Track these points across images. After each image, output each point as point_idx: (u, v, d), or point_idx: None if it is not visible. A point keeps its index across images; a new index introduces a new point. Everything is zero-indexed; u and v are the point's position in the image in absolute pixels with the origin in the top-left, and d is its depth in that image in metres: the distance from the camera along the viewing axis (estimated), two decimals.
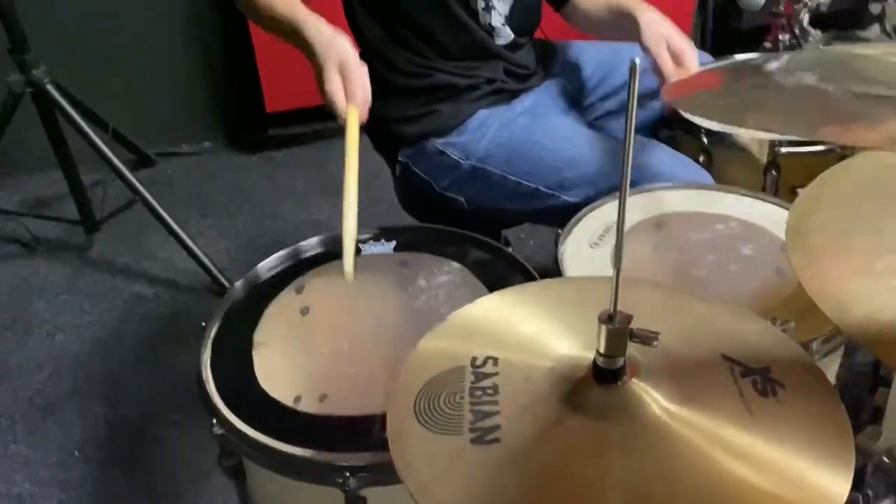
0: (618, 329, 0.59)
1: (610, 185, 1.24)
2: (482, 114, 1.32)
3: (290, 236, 2.15)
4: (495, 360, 0.67)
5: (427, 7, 1.26)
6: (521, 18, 1.37)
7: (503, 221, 1.47)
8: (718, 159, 1.29)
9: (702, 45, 2.60)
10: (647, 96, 1.40)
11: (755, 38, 2.23)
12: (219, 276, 1.97)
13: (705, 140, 1.28)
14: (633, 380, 0.61)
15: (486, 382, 0.65)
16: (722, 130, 1.29)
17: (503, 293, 0.77)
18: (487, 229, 1.50)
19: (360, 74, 1.07)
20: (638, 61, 0.49)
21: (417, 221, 1.45)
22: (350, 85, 1.05)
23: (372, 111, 1.15)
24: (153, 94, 2.54)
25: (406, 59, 1.31)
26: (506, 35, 1.35)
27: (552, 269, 1.01)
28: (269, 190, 2.45)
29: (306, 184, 2.46)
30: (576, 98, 1.47)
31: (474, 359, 0.68)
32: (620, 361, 0.60)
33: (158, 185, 2.47)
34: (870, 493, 0.67)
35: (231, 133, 2.69)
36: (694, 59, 1.23)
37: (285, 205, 2.36)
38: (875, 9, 2.42)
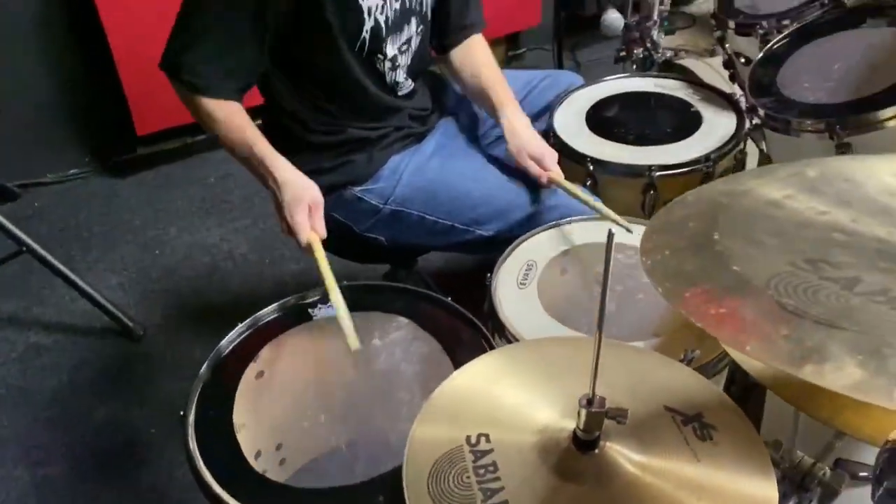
0: (595, 412, 0.73)
1: (518, 217, 1.39)
2: (394, 160, 1.42)
3: (184, 264, 2.19)
4: (487, 437, 0.79)
5: (338, 75, 1.33)
6: (418, 66, 1.47)
7: (418, 252, 1.58)
8: (602, 184, 1.46)
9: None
10: None
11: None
12: (120, 315, 1.95)
13: (591, 167, 1.45)
14: (607, 443, 0.76)
15: (486, 460, 0.77)
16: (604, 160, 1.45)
17: (473, 366, 0.89)
18: (403, 259, 1.62)
19: (321, 210, 1.23)
20: (614, 231, 0.61)
21: (338, 257, 1.55)
22: (317, 221, 1.22)
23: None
24: (9, 123, 2.39)
25: (319, 120, 1.38)
26: (407, 85, 1.45)
27: (487, 308, 1.15)
28: (149, 214, 2.41)
29: (187, 204, 2.44)
30: (471, 130, 1.60)
31: (469, 437, 0.79)
32: (597, 433, 0.75)
33: (28, 220, 2.37)
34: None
35: (97, 156, 2.59)
36: (553, 160, 1.38)
37: (170, 229, 2.34)
38: None
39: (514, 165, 1.42)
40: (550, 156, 1.39)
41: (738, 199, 0.70)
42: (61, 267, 1.91)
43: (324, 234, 1.22)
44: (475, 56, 1.52)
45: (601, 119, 1.56)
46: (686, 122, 1.52)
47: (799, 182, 0.69)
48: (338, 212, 1.43)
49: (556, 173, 1.38)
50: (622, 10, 1.80)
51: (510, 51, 3.13)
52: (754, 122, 1.32)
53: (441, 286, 1.57)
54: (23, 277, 2.09)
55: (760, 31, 1.44)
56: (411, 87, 1.46)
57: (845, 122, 1.15)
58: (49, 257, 1.90)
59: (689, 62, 1.78)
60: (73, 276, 1.92)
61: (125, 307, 2.00)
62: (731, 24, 1.52)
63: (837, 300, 0.54)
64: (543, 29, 2.90)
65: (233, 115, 1.26)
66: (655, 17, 1.83)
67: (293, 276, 2.10)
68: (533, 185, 1.41)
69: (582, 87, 1.67)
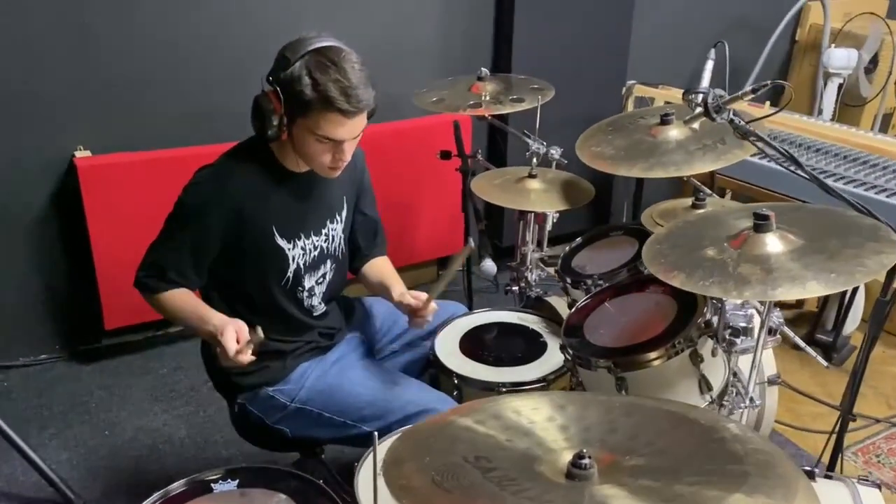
0: None
1: (394, 419, 1.76)
2: (303, 366, 1.83)
3: (129, 445, 2.50)
4: None
5: (264, 301, 1.77)
6: (332, 292, 1.92)
7: (319, 443, 1.94)
8: (465, 393, 1.87)
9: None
10: (415, 342, 2.00)
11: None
12: (64, 489, 2.23)
13: (455, 380, 1.86)
14: None
15: None
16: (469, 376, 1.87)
17: None
18: (306, 448, 1.97)
19: (247, 334, 1.59)
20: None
21: (252, 444, 1.91)
22: (243, 341, 1.57)
23: (215, 365, 1.68)
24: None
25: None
26: (321, 308, 1.89)
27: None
28: (105, 398, 2.74)
29: (140, 391, 2.78)
30: (370, 344, 2.02)
31: None
32: None
33: None
34: None
35: (67, 345, 2.95)
36: (431, 310, 1.81)
37: (122, 413, 2.67)
38: None
39: (403, 311, 1.85)
40: (426, 296, 1.80)
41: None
42: (17, 439, 2.21)
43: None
44: (377, 266, 1.99)
45: (471, 343, 1.99)
46: (534, 349, 1.95)
47: (486, 412, 1.09)
48: (253, 406, 1.81)
49: (431, 307, 1.79)
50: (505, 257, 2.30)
51: (440, 269, 3.65)
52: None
53: (342, 476, 1.91)
54: None
55: (584, 287, 1.93)
56: (324, 309, 1.90)
57: (622, 363, 1.59)
58: (8, 430, 2.21)
59: (553, 299, 2.25)
60: (26, 449, 2.22)
61: (70, 480, 2.28)
62: (568, 279, 2.02)
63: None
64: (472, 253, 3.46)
65: (174, 299, 1.69)
66: (528, 263, 2.34)
67: (223, 460, 2.41)
68: (410, 392, 1.81)
69: (463, 315, 2.12)
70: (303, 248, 1.77)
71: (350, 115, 1.56)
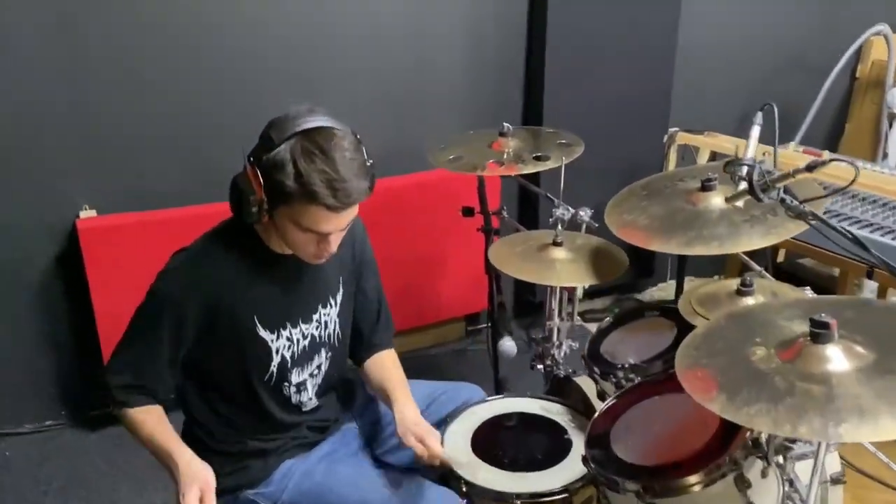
0: None
1: None
2: (286, 464, 1.63)
3: None
4: None
5: (244, 398, 1.58)
6: (328, 384, 1.72)
7: None
8: (475, 500, 1.64)
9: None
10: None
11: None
12: None
13: (463, 487, 1.63)
14: None
15: None
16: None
17: None
18: None
19: (212, 495, 1.40)
20: None
21: None
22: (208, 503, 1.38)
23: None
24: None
25: (223, 431, 1.61)
26: (311, 404, 1.69)
27: None
28: (107, 471, 2.58)
29: (142, 463, 2.61)
30: (370, 435, 1.80)
31: None
32: None
33: None
34: None
35: (72, 411, 2.82)
36: (435, 440, 1.59)
37: (122, 488, 2.50)
38: None
39: (402, 446, 1.61)
40: (433, 437, 1.58)
41: None
42: None
43: None
44: (380, 365, 1.78)
45: (485, 439, 1.76)
46: (556, 449, 1.71)
47: None
48: None
49: (437, 452, 1.56)
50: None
51: (469, 326, 3.43)
52: None
53: None
54: None
55: (613, 380, 1.68)
56: (316, 404, 1.69)
57: (653, 487, 1.34)
58: None
59: (583, 379, 2.01)
60: None
61: None
62: (596, 369, 1.77)
63: None
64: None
65: (145, 420, 1.50)
66: (555, 339, 2.10)
67: None
68: (406, 494, 1.59)
69: (478, 402, 1.89)
70: (289, 339, 1.57)
71: (337, 210, 1.38)
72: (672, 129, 3.09)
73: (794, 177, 1.28)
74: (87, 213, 2.56)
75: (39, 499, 2.45)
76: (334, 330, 1.67)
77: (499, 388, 2.74)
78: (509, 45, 3.06)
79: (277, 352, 1.56)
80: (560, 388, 2.11)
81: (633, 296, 3.73)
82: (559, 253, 2.00)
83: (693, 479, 1.32)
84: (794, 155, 2.86)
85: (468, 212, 2.55)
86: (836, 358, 1.15)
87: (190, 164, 2.68)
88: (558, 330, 2.13)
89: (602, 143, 3.00)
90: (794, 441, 1.41)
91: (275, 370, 1.57)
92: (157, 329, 1.48)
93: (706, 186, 1.75)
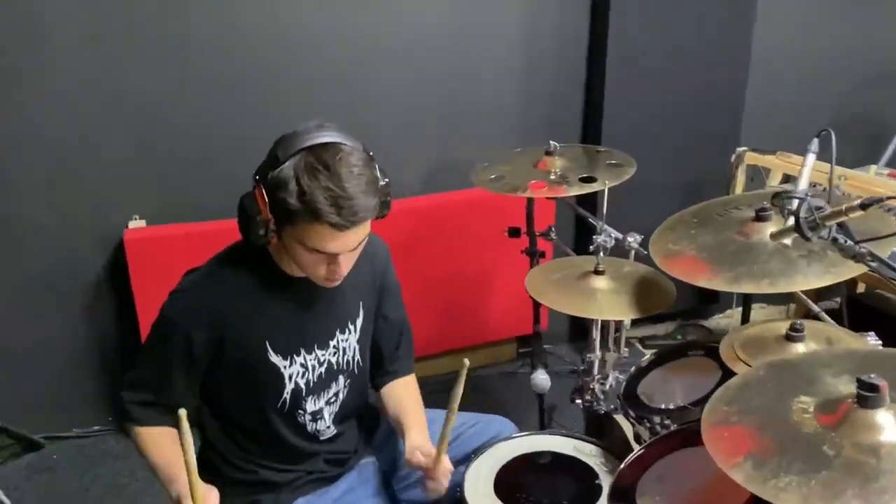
0: None
1: None
2: (300, 501, 1.56)
3: None
4: None
5: (258, 424, 1.53)
6: (346, 411, 1.64)
7: None
8: None
9: None
10: None
11: None
12: None
13: None
14: None
15: None
16: None
17: None
18: None
19: None
20: None
21: None
22: None
23: None
24: (44, 378, 2.70)
25: (238, 456, 1.56)
26: (329, 432, 1.62)
27: None
28: (145, 483, 2.57)
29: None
30: (390, 469, 1.72)
31: None
32: None
33: (41, 473, 2.61)
34: None
35: (118, 416, 2.85)
36: (445, 471, 1.50)
37: (158, 501, 2.50)
38: None
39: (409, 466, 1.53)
40: (441, 467, 1.49)
41: None
42: None
43: None
44: (398, 393, 1.70)
45: (509, 479, 1.65)
46: (584, 495, 1.59)
47: None
48: None
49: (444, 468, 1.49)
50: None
51: (521, 348, 3.31)
52: None
53: None
54: None
55: (647, 425, 1.55)
56: (334, 432, 1.62)
57: None
58: None
59: (622, 418, 1.87)
60: None
61: None
62: (631, 412, 1.64)
63: None
64: (551, 332, 3.10)
65: (160, 439, 1.46)
66: (596, 373, 1.98)
67: None
68: None
69: (507, 438, 1.79)
70: (303, 366, 1.51)
71: (342, 229, 1.30)
72: (740, 149, 2.90)
73: (846, 215, 1.13)
74: (136, 224, 2.58)
75: (82, 501, 2.48)
76: (353, 356, 1.60)
77: (542, 417, 2.63)
78: (568, 58, 2.93)
79: (291, 378, 1.50)
80: (599, 426, 1.98)
81: (698, 321, 3.53)
82: (600, 282, 1.88)
83: None
84: (875, 180, 2.63)
85: (514, 232, 2.45)
86: (888, 426, 1.01)
87: (237, 178, 2.66)
88: (601, 363, 2.00)
89: (664, 163, 2.86)
90: None
91: (288, 397, 1.51)
92: (169, 350, 1.44)
93: (761, 217, 1.60)
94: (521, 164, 2.18)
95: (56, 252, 2.59)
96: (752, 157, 2.89)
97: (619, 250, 1.98)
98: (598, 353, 1.98)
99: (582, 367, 2.04)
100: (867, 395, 1.02)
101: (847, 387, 1.08)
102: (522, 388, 3.01)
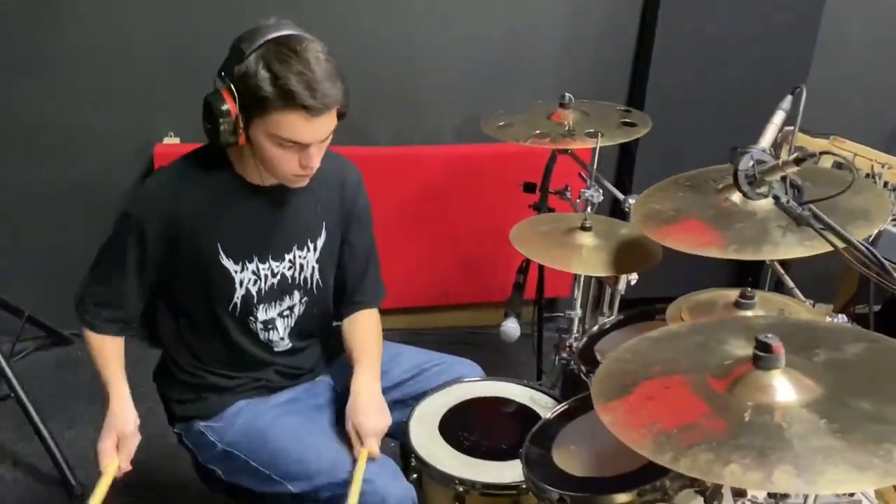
0: None
1: (321, 482, 1.49)
2: (240, 404, 1.60)
3: (156, 442, 2.41)
4: None
5: (211, 325, 1.57)
6: (304, 329, 1.67)
7: (256, 496, 1.71)
8: (425, 482, 1.54)
9: None
10: (407, 401, 1.70)
11: None
12: (68, 473, 2.20)
13: (413, 461, 1.53)
14: None
15: None
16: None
17: None
18: (251, 499, 1.75)
19: (131, 443, 1.45)
20: None
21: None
22: (123, 452, 1.44)
23: (158, 388, 1.63)
24: (77, 281, 2.85)
25: (186, 360, 1.62)
26: (284, 344, 1.65)
27: None
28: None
29: None
30: (343, 393, 1.73)
31: None
32: None
33: (64, 366, 2.78)
34: None
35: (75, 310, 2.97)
36: (372, 439, 1.50)
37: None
38: None
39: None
40: (372, 433, 1.51)
41: None
42: (38, 422, 2.22)
43: (126, 466, 1.41)
44: (357, 325, 1.71)
45: (456, 419, 1.65)
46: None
47: None
48: (187, 439, 1.63)
49: (369, 450, 1.49)
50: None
51: (546, 312, 3.26)
52: None
53: None
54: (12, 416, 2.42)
55: None
56: (289, 346, 1.65)
57: (574, 500, 1.18)
58: (30, 409, 2.23)
59: None
60: (42, 429, 2.22)
61: (83, 466, 2.24)
62: (583, 367, 1.59)
63: None
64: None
65: (103, 348, 1.54)
66: (575, 331, 1.93)
67: None
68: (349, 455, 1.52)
69: (470, 380, 1.77)
70: (255, 273, 1.54)
71: (315, 113, 1.33)
72: (788, 128, 2.72)
73: (782, 169, 1.05)
74: (170, 140, 2.68)
75: (94, 400, 2.60)
76: (312, 275, 1.62)
77: (539, 375, 2.60)
78: (619, 15, 2.83)
79: (241, 284, 1.53)
80: (574, 385, 1.94)
81: None
82: (585, 238, 1.83)
83: (611, 499, 1.15)
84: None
85: (529, 188, 2.40)
86: (781, 388, 0.95)
87: None
88: (580, 321, 1.95)
89: (707, 135, 2.72)
90: None
91: (239, 302, 1.55)
92: (124, 249, 1.49)
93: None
94: (535, 115, 2.13)
95: (96, 162, 2.72)
96: (802, 139, 2.70)
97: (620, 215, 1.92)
98: (577, 311, 1.94)
99: (564, 326, 2.00)
100: (762, 356, 0.96)
101: (745, 348, 1.02)
102: (527, 347, 2.95)
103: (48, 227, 2.80)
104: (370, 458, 1.49)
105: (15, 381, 2.25)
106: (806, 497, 1.18)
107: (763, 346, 0.95)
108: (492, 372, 1.82)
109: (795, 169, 1.04)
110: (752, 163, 1.09)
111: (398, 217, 2.80)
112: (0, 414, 2.46)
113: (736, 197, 1.51)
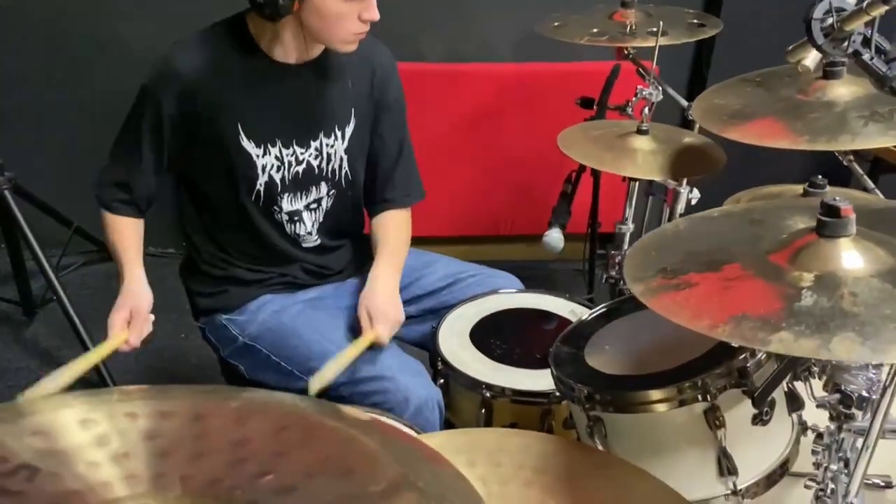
0: None
1: (344, 378, 1.40)
2: (264, 298, 1.54)
3: (194, 353, 2.41)
4: None
5: (235, 218, 1.50)
6: (334, 225, 1.59)
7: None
8: (452, 388, 1.45)
9: None
10: (440, 310, 1.61)
11: None
12: (107, 377, 2.20)
13: (440, 365, 1.44)
14: None
15: None
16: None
17: None
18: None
19: (143, 322, 1.38)
20: None
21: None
22: (134, 329, 1.37)
23: (183, 282, 1.58)
24: None
25: (211, 252, 1.55)
26: (312, 240, 1.57)
27: None
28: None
29: None
30: None
31: None
32: None
33: (111, 281, 2.78)
34: None
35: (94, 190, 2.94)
36: (384, 326, 1.43)
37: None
38: None
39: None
40: (382, 317, 1.43)
41: None
42: (79, 325, 2.23)
43: (135, 343, 1.36)
44: (384, 224, 1.62)
45: (488, 327, 1.54)
46: None
47: None
48: (210, 333, 1.57)
49: (376, 335, 1.42)
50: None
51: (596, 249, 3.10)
52: None
53: None
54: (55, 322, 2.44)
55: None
56: (318, 242, 1.57)
57: (601, 398, 1.06)
58: (72, 312, 2.23)
59: None
60: (84, 335, 2.22)
61: (119, 371, 2.24)
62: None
63: None
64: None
65: (119, 229, 1.48)
66: (626, 246, 1.79)
67: None
68: (370, 354, 1.43)
69: (509, 291, 1.67)
70: (278, 159, 1.45)
71: None
72: None
73: (867, 13, 0.88)
74: None
75: None
76: (340, 166, 1.52)
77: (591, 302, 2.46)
78: None
79: (264, 170, 1.45)
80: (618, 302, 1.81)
81: None
82: (641, 142, 1.66)
83: (651, 394, 1.03)
84: None
85: (587, 103, 2.24)
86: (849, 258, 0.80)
87: None
88: (633, 237, 1.80)
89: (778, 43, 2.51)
90: (851, 404, 1.05)
91: (262, 189, 1.47)
92: (140, 120, 1.42)
93: (829, 73, 1.34)
94: (597, 16, 1.97)
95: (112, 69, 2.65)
96: None
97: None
98: (630, 225, 1.79)
99: (614, 243, 1.86)
100: (827, 222, 0.81)
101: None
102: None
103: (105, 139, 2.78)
104: (377, 344, 1.41)
105: (57, 284, 2.24)
106: (872, 420, 1.03)
107: (830, 210, 0.80)
108: None
109: (884, 9, 0.87)
110: (829, 7, 0.92)
111: (448, 139, 2.68)
112: (45, 320, 2.49)
113: (810, 63, 1.34)
